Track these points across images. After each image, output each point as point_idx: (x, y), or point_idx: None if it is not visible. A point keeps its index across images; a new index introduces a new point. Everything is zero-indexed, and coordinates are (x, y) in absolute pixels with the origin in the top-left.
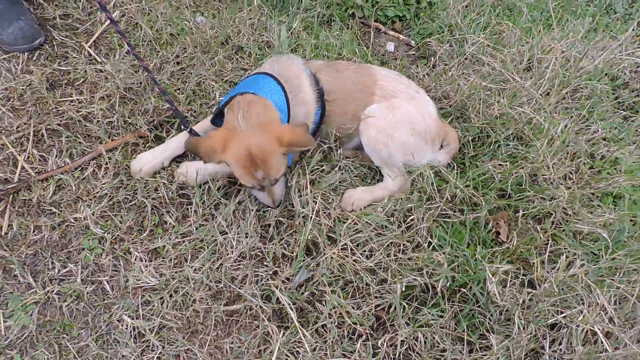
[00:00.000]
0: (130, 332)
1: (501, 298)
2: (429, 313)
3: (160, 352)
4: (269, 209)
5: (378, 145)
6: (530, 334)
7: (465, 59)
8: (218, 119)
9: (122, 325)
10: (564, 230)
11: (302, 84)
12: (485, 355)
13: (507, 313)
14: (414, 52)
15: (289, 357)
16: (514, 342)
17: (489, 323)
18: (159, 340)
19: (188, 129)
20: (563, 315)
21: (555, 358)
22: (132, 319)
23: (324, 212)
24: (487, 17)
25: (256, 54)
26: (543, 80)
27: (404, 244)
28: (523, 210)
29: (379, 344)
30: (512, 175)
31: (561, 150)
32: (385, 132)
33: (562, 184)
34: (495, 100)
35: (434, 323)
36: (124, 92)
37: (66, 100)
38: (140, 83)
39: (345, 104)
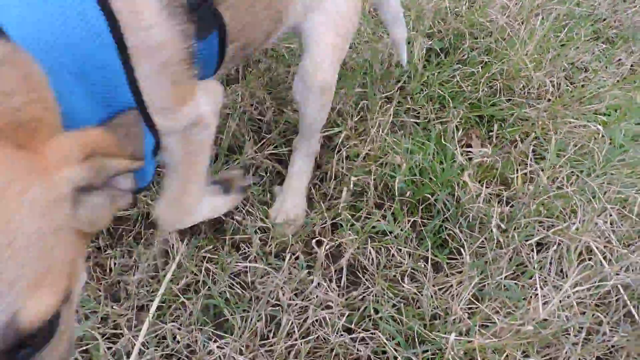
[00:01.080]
0: None
1: (474, 205)
2: (383, 222)
3: None
4: None
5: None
6: (512, 252)
7: None
8: None
9: None
10: (546, 148)
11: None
12: (454, 277)
13: (482, 229)
14: None
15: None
16: (491, 260)
17: (459, 239)
18: None
19: None
20: (553, 229)
21: (542, 283)
22: None
23: None
24: None
25: None
26: None
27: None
28: (498, 126)
29: (314, 256)
30: (483, 80)
31: (538, 53)
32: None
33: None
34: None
35: (390, 237)
36: None
37: None
38: None
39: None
